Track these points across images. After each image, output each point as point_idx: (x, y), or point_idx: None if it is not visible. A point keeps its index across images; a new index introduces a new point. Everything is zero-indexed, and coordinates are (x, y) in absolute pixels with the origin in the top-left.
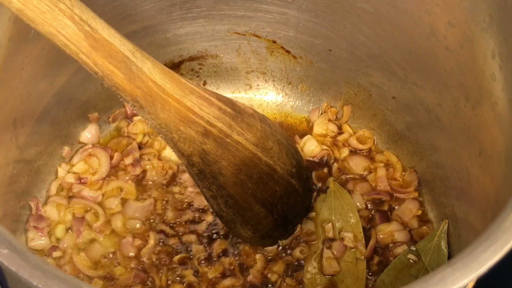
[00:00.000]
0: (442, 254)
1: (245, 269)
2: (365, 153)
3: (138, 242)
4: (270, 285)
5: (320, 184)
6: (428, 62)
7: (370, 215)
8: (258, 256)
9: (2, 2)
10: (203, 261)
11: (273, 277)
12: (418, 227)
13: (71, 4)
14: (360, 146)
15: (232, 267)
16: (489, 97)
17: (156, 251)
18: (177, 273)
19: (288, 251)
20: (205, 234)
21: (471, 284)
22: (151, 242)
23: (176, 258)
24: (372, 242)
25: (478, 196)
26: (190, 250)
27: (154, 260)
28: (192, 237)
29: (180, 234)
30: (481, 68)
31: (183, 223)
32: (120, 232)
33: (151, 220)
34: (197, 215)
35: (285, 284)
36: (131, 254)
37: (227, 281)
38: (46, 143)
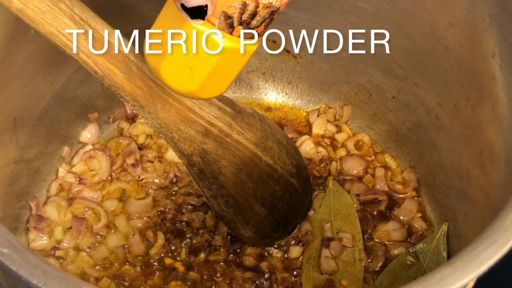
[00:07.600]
0: (441, 256)
1: (240, 252)
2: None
3: (144, 240)
4: (266, 275)
5: (318, 184)
6: (428, 62)
7: (368, 216)
8: None
9: (2, 2)
10: (209, 252)
11: (267, 268)
12: (418, 227)
13: (71, 4)
14: (356, 152)
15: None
16: (489, 97)
17: (164, 249)
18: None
19: (286, 250)
20: (207, 227)
21: (471, 283)
22: (160, 241)
23: (184, 252)
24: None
25: (478, 196)
26: (195, 243)
27: (163, 256)
28: (195, 231)
29: (183, 229)
30: (481, 68)
31: (185, 219)
32: (124, 231)
33: (153, 218)
34: (197, 211)
35: (279, 274)
36: (139, 252)
37: (223, 264)
38: (46, 143)
